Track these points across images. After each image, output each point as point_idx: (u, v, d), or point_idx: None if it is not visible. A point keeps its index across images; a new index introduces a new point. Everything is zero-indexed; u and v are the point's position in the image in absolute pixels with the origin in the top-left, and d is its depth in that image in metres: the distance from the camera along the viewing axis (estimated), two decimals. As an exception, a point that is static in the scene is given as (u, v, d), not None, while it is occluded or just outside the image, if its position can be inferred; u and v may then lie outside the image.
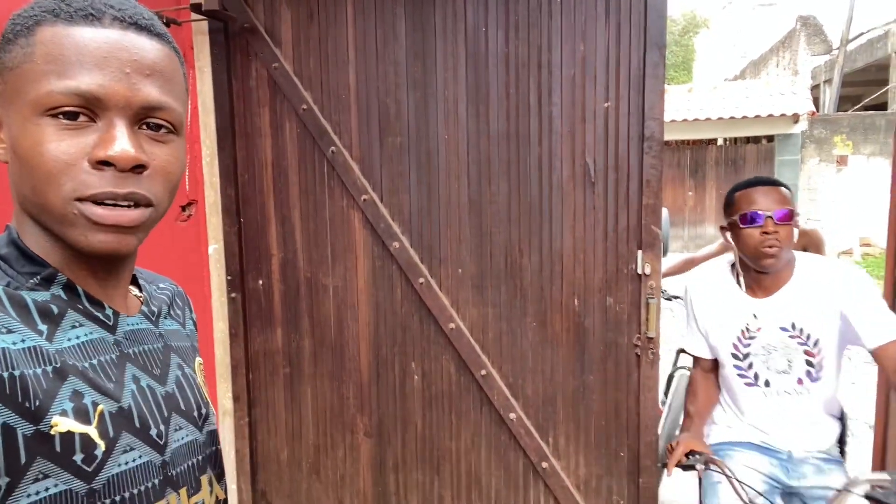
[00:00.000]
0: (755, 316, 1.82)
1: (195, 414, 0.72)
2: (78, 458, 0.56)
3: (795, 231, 1.77)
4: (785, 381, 1.80)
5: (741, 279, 1.87)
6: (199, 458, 0.72)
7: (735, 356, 1.86)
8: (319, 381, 2.32)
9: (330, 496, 2.37)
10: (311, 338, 2.30)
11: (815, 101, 12.30)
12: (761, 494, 1.66)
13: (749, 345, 1.83)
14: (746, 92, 11.94)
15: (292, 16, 2.16)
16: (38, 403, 0.54)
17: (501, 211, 2.10)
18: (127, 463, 0.60)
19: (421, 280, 2.16)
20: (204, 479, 0.72)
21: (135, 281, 0.75)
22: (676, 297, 3.42)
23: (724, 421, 1.95)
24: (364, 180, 2.17)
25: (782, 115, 10.93)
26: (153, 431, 0.64)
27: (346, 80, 2.15)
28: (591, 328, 2.10)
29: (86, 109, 0.57)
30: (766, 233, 1.72)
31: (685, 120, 11.26)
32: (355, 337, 2.27)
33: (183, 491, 0.68)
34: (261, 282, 2.31)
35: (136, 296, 0.74)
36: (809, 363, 1.78)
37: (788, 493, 1.81)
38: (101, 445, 0.58)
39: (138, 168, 0.59)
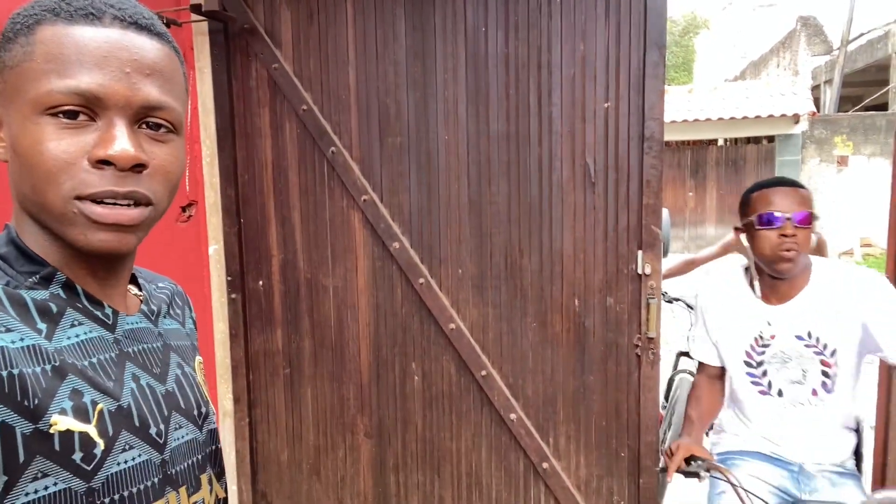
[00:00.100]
0: (769, 323, 1.74)
1: (195, 413, 0.72)
2: (77, 456, 0.56)
3: (814, 236, 1.70)
4: (799, 392, 1.72)
5: (755, 284, 1.78)
6: (199, 456, 0.72)
7: (748, 364, 1.79)
8: (320, 382, 2.32)
9: (330, 497, 2.37)
10: (312, 338, 2.30)
11: (816, 101, 12.30)
12: None
13: (763, 352, 1.76)
14: (747, 92, 11.95)
15: (292, 16, 2.16)
16: (37, 402, 0.54)
17: (501, 211, 2.10)
18: (126, 462, 0.60)
19: (421, 280, 2.16)
20: (204, 477, 0.72)
21: (134, 280, 0.75)
22: (677, 300, 3.40)
23: (733, 429, 1.89)
24: (364, 181, 2.17)
25: (783, 115, 10.94)
26: (153, 430, 0.64)
27: (346, 80, 2.15)
28: (592, 328, 2.10)
29: (86, 108, 0.58)
30: (784, 235, 1.63)
31: (685, 120, 11.27)
32: (355, 337, 2.27)
33: (182, 490, 0.68)
34: (261, 282, 2.31)
35: (135, 295, 0.74)
36: (825, 374, 1.69)
37: None
38: (101, 444, 0.58)
39: (138, 167, 0.59)
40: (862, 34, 12.59)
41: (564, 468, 2.17)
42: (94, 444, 0.57)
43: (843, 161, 10.92)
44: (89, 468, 0.57)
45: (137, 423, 0.62)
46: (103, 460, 0.58)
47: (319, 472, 2.37)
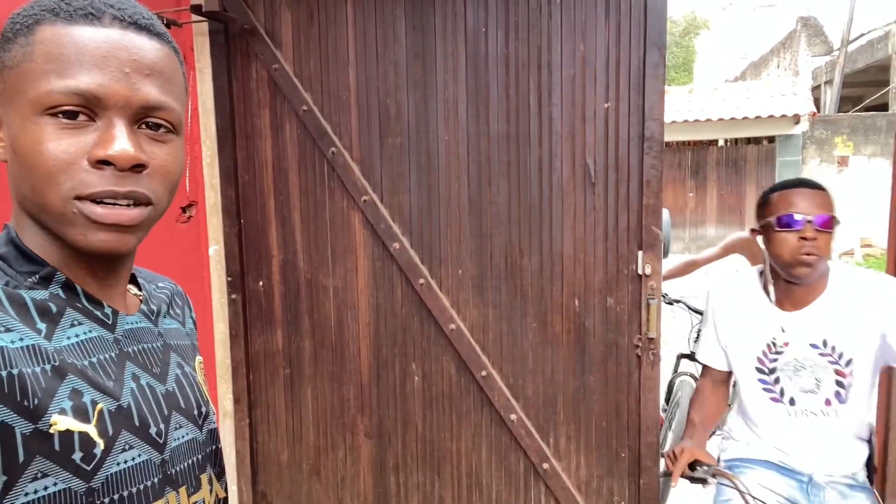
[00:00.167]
0: (783, 330, 1.67)
1: (195, 412, 0.72)
2: (77, 456, 0.56)
3: (834, 242, 1.63)
4: (811, 401, 1.66)
5: (770, 289, 1.71)
6: (199, 456, 0.72)
7: (760, 370, 1.72)
8: (320, 382, 2.32)
9: (330, 497, 2.37)
10: (312, 339, 2.30)
11: (816, 101, 12.30)
12: None
13: (776, 360, 1.69)
14: (747, 93, 11.95)
15: (292, 17, 2.17)
16: (36, 402, 0.54)
17: (502, 211, 2.10)
18: (126, 461, 0.60)
19: (421, 281, 2.16)
20: (204, 477, 0.72)
21: (134, 280, 0.75)
22: (677, 301, 3.39)
23: (741, 436, 1.83)
24: (364, 181, 2.17)
25: (783, 115, 10.94)
26: (153, 430, 0.64)
27: (346, 80, 2.15)
28: (592, 329, 2.10)
29: (85, 109, 0.58)
30: (804, 238, 1.56)
31: (686, 121, 11.27)
32: (355, 338, 2.27)
33: (182, 490, 0.68)
34: (261, 283, 2.31)
35: (135, 295, 0.74)
36: (839, 384, 1.63)
37: None
38: (100, 444, 0.58)
39: (138, 167, 0.59)
40: (862, 34, 12.59)
41: (565, 469, 2.16)
42: (94, 444, 0.57)
43: (843, 161, 10.91)
44: (89, 468, 0.57)
45: (137, 423, 0.62)
46: (103, 460, 0.58)
47: (319, 472, 2.37)
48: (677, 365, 3.57)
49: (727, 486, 1.57)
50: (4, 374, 0.52)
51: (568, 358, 2.13)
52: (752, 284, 1.77)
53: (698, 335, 3.46)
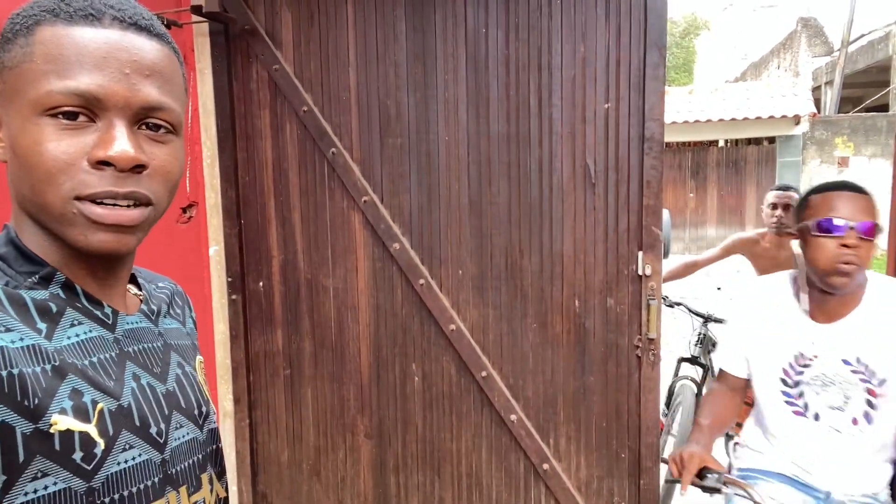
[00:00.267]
0: (813, 343, 1.57)
1: (195, 412, 0.72)
2: (77, 456, 0.56)
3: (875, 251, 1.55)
4: (837, 418, 1.56)
5: (801, 297, 1.61)
6: (200, 456, 0.72)
7: (784, 382, 1.62)
8: (320, 383, 2.32)
9: (330, 498, 2.37)
10: (312, 339, 2.30)
11: (817, 102, 12.30)
12: None
13: (802, 373, 1.59)
14: (747, 93, 11.96)
15: (293, 17, 2.17)
16: (37, 402, 0.54)
17: (502, 212, 2.10)
18: (126, 461, 0.60)
19: (421, 281, 2.16)
20: (204, 477, 0.72)
21: (134, 280, 0.75)
22: (678, 304, 3.37)
23: (758, 446, 1.73)
24: (364, 181, 2.17)
25: (783, 116, 10.94)
26: (153, 430, 0.64)
27: (346, 81, 2.15)
28: (592, 329, 2.10)
29: (85, 109, 0.58)
30: (844, 246, 1.45)
31: (686, 121, 11.27)
32: (356, 338, 2.27)
33: (183, 489, 0.68)
34: (261, 283, 2.31)
35: (135, 295, 0.74)
36: (870, 403, 1.53)
37: None
38: (101, 444, 0.58)
39: (138, 168, 0.60)
40: (862, 35, 12.60)
41: (565, 469, 2.16)
42: (95, 444, 0.57)
43: (843, 162, 10.91)
44: (89, 468, 0.57)
45: (138, 423, 0.62)
46: (103, 460, 0.58)
47: (320, 472, 2.37)
48: (678, 369, 3.53)
49: (741, 496, 1.48)
50: (5, 373, 0.52)
51: (568, 358, 2.13)
52: (783, 290, 1.66)
53: (699, 338, 3.45)
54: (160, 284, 0.81)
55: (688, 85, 18.09)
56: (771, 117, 10.99)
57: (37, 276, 0.61)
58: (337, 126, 2.17)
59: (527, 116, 2.05)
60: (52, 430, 0.54)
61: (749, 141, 12.35)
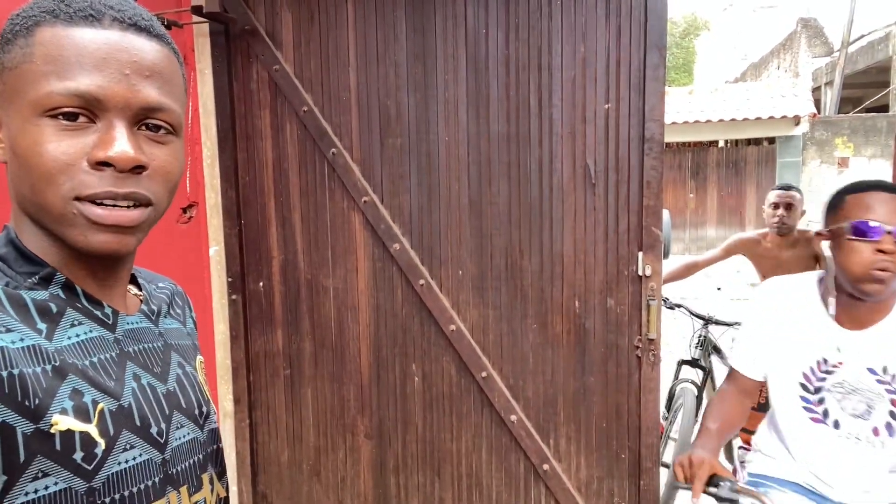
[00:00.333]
0: (838, 349, 1.50)
1: (196, 412, 0.72)
2: (78, 456, 0.56)
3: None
4: (858, 427, 1.50)
5: (829, 301, 1.52)
6: (200, 456, 0.72)
7: (804, 387, 1.55)
8: (320, 383, 2.32)
9: (330, 498, 2.37)
10: (312, 339, 2.30)
11: (817, 103, 12.30)
12: None
13: (824, 379, 1.52)
14: (747, 94, 11.96)
15: (293, 18, 2.17)
16: (37, 402, 0.54)
17: (502, 212, 2.10)
18: (127, 461, 0.60)
19: (421, 282, 2.16)
20: (205, 477, 0.72)
21: (134, 280, 0.75)
22: (678, 306, 3.32)
23: (772, 452, 1.66)
24: (364, 182, 2.17)
25: (783, 117, 10.94)
26: (154, 429, 0.64)
27: (346, 81, 2.15)
28: (592, 330, 2.10)
29: (85, 110, 0.58)
30: (880, 251, 1.36)
31: (686, 122, 11.28)
32: (356, 338, 2.27)
33: (184, 489, 0.68)
34: (261, 283, 2.31)
35: (135, 295, 0.74)
36: (893, 414, 1.47)
37: None
38: (102, 444, 0.58)
39: (138, 169, 0.60)
40: (862, 36, 12.60)
41: (565, 470, 2.16)
42: (95, 444, 0.57)
43: (843, 163, 10.91)
44: (90, 468, 0.57)
45: (138, 423, 0.62)
46: (104, 460, 0.58)
47: (320, 473, 2.37)
48: (678, 372, 3.48)
49: None
50: (5, 374, 0.52)
51: (568, 359, 2.13)
52: (808, 292, 1.57)
53: (700, 341, 3.40)
54: (160, 285, 0.81)
55: (688, 85, 18.10)
56: (771, 118, 11.00)
57: (37, 277, 0.61)
58: (337, 126, 2.17)
59: (527, 117, 2.05)
60: (52, 431, 0.54)
61: (749, 141, 12.36)
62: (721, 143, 12.99)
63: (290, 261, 2.28)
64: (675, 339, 5.33)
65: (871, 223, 1.38)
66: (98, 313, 0.65)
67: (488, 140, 2.09)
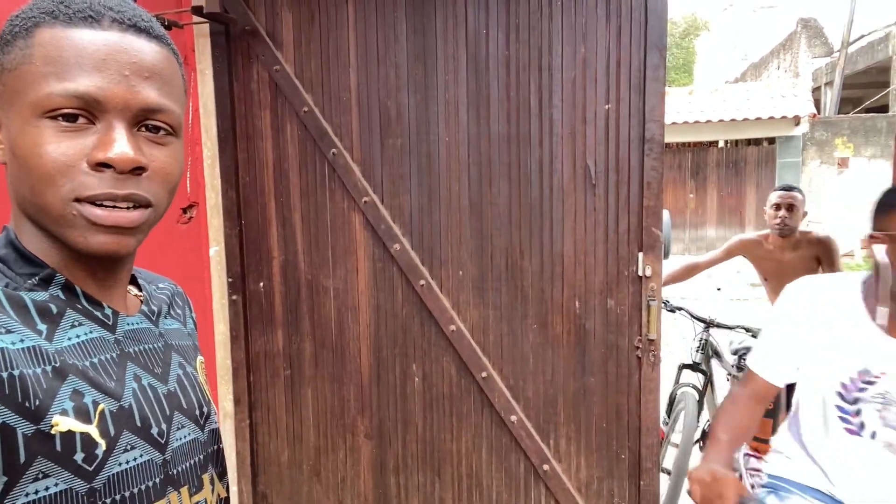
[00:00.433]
0: (883, 359, 1.40)
1: (197, 412, 0.72)
2: (79, 457, 0.56)
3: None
4: (894, 437, 1.42)
5: (880, 310, 1.39)
6: (201, 456, 0.72)
7: (842, 396, 1.44)
8: (320, 383, 2.32)
9: (330, 498, 2.37)
10: (312, 340, 2.30)
11: (816, 103, 12.30)
12: None
13: (864, 389, 1.42)
14: (747, 94, 11.96)
15: (293, 18, 2.17)
16: (38, 403, 0.54)
17: (502, 213, 2.10)
18: (128, 462, 0.60)
19: (422, 282, 2.16)
20: (205, 477, 0.72)
21: (134, 281, 0.75)
22: (679, 309, 3.25)
23: (794, 455, 1.57)
24: (365, 182, 2.17)
25: (783, 117, 10.94)
26: (154, 430, 0.64)
27: (347, 82, 2.15)
28: (592, 330, 2.10)
29: (85, 111, 0.58)
30: None
31: (686, 122, 11.27)
32: (356, 339, 2.27)
33: (184, 490, 0.68)
34: (262, 284, 2.31)
35: (135, 295, 0.74)
36: None
37: None
38: (102, 444, 0.58)
39: (137, 170, 0.60)
40: (862, 36, 12.60)
41: (565, 470, 2.16)
42: (96, 445, 0.57)
43: (843, 163, 10.92)
44: (91, 469, 0.57)
45: (139, 424, 0.62)
46: (105, 461, 0.58)
47: (320, 473, 2.37)
48: (679, 376, 3.38)
49: None
50: (5, 375, 0.52)
51: (568, 359, 2.13)
52: (850, 295, 1.45)
53: (701, 344, 3.35)
54: (160, 285, 0.81)
55: (688, 85, 18.10)
56: (771, 118, 11.00)
57: (37, 278, 0.61)
58: (337, 127, 2.17)
59: (527, 117, 2.05)
60: (53, 432, 0.54)
61: (749, 142, 12.36)
62: (721, 144, 12.99)
63: (291, 261, 2.28)
64: (675, 339, 5.33)
65: None
66: (98, 314, 0.65)
67: (489, 140, 2.09)
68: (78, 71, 0.57)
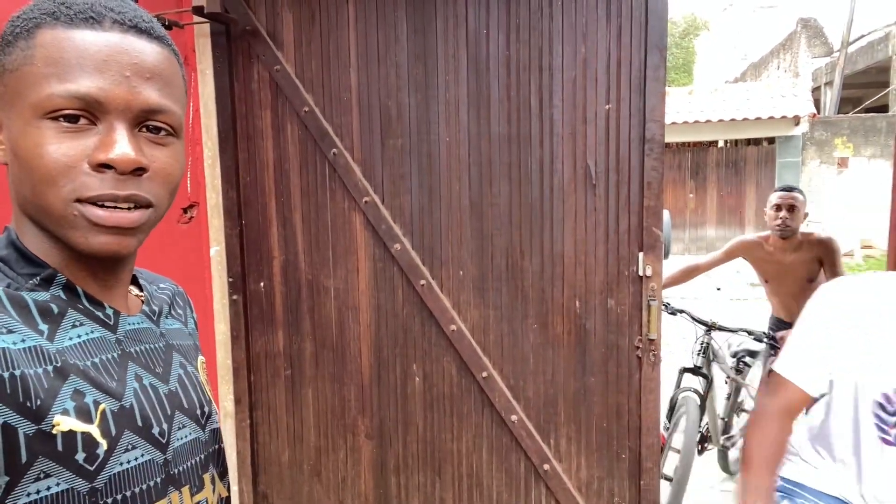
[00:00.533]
0: None
1: (198, 412, 0.73)
2: (80, 457, 0.56)
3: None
4: None
5: None
6: (202, 456, 0.72)
7: (882, 407, 1.35)
8: (321, 383, 2.32)
9: (331, 498, 2.37)
10: (313, 340, 2.30)
11: (816, 103, 12.30)
12: None
13: None
14: (747, 94, 11.96)
15: (294, 18, 2.17)
16: (39, 403, 0.54)
17: (503, 213, 2.11)
18: (129, 461, 0.60)
19: (422, 282, 2.16)
20: (206, 477, 0.72)
21: (135, 281, 0.75)
22: (681, 311, 3.17)
23: (815, 461, 1.50)
24: (365, 182, 2.17)
25: (783, 117, 10.95)
26: (155, 430, 0.64)
27: (347, 82, 2.15)
28: (593, 330, 2.10)
29: (86, 112, 0.58)
30: None
31: (686, 122, 11.28)
32: (356, 339, 2.27)
33: (185, 489, 0.68)
34: (262, 284, 2.31)
35: (136, 296, 0.74)
36: None
37: None
38: (103, 444, 0.58)
39: (138, 171, 0.60)
40: (862, 36, 12.60)
41: (565, 470, 2.16)
42: (97, 445, 0.57)
43: (843, 163, 10.92)
44: (92, 468, 0.57)
45: (140, 423, 0.62)
46: (106, 460, 0.58)
47: (320, 473, 2.37)
48: (679, 380, 3.32)
49: None
50: (7, 375, 0.52)
51: (569, 359, 2.13)
52: (889, 298, 1.36)
53: (702, 347, 3.25)
54: (161, 285, 0.81)
55: (687, 85, 18.10)
56: (771, 118, 11.00)
57: (38, 278, 0.62)
58: (338, 127, 2.17)
59: (527, 117, 2.05)
60: (54, 431, 0.54)
61: (749, 141, 12.36)
62: (721, 144, 13.00)
63: (291, 261, 2.28)
64: (674, 339, 5.33)
65: None
66: (99, 314, 0.65)
67: (489, 140, 2.09)
68: (79, 72, 0.57)
